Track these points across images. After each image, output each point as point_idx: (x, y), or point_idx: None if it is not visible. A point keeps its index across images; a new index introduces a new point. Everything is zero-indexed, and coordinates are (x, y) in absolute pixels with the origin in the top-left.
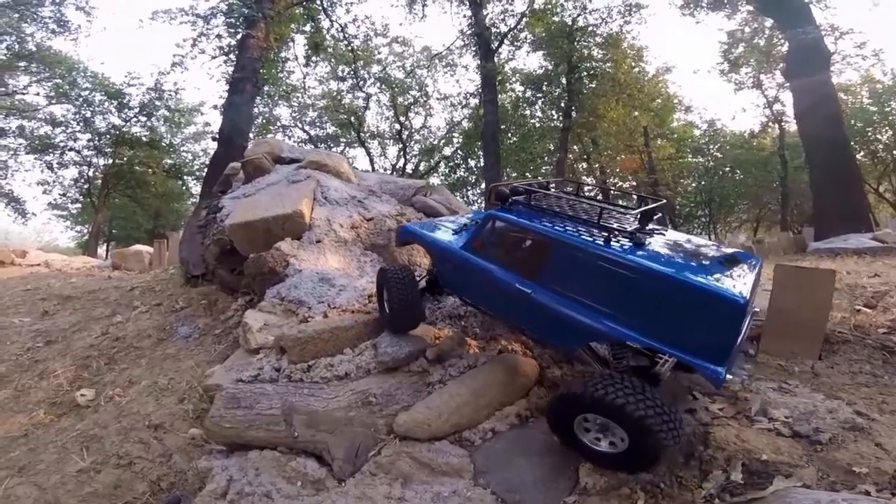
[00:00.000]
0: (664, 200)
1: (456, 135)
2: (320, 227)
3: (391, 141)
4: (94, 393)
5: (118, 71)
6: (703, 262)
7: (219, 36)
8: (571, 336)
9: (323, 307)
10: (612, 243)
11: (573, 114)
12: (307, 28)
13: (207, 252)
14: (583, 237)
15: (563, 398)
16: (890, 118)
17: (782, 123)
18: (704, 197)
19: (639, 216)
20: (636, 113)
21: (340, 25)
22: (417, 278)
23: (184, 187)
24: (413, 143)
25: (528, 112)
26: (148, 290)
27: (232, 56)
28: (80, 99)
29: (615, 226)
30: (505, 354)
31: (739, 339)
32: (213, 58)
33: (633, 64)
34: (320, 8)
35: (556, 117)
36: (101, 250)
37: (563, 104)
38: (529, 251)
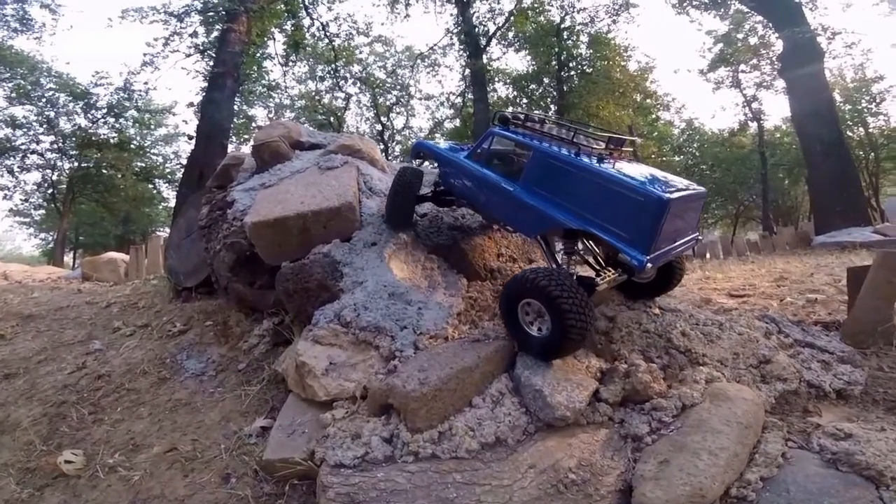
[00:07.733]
0: (636, 139)
1: (439, 135)
2: (373, 224)
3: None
4: (84, 458)
5: (86, 73)
6: (648, 176)
7: (194, 33)
8: (535, 224)
9: (409, 335)
10: (580, 156)
11: (565, 113)
12: (287, 26)
13: (217, 260)
14: (557, 149)
15: (510, 283)
16: (863, 115)
17: (761, 121)
18: None
19: (606, 140)
20: (619, 112)
21: (322, 24)
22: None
23: (155, 191)
24: (395, 143)
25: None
26: (129, 307)
27: (209, 53)
28: (44, 100)
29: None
30: (723, 384)
31: (665, 240)
32: (188, 56)
33: (623, 62)
34: (302, 5)
35: None
36: (68, 259)
37: (550, 103)
38: (516, 160)
